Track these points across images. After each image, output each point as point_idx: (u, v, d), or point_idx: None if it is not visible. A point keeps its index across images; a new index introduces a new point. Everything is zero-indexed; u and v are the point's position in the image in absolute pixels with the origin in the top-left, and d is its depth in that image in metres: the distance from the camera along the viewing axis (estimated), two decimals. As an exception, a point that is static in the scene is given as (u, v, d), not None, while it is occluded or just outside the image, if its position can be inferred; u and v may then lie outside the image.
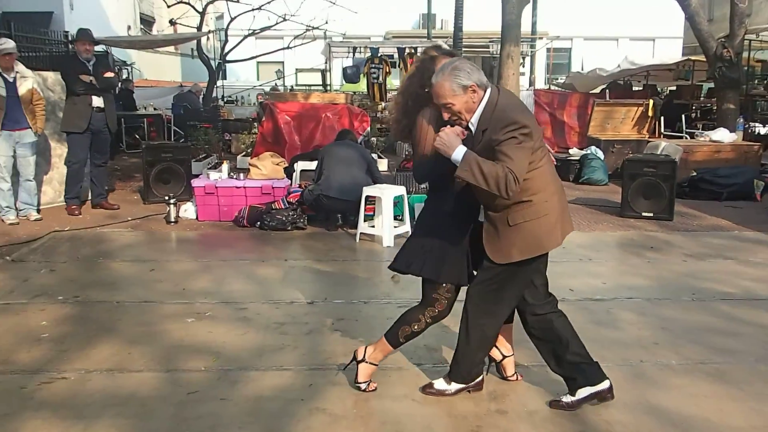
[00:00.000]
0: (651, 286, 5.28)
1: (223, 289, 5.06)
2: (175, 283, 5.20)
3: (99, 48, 13.97)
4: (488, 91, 2.92)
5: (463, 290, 3.19)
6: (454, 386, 3.28)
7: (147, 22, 27.08)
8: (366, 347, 3.38)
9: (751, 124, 12.64)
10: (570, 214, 3.21)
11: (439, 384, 3.31)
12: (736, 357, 3.90)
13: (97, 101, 7.37)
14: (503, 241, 2.97)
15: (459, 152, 2.79)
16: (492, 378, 3.53)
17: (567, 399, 3.22)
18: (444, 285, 3.15)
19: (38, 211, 7.33)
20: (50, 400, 3.25)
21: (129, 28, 23.95)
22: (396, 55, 15.90)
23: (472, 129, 2.95)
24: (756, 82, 14.02)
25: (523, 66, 20.20)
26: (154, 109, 15.11)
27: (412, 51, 15.69)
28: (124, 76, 17.43)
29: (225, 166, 7.98)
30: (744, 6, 11.79)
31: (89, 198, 7.93)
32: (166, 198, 7.40)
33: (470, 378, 3.29)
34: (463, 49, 14.20)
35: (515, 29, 7.24)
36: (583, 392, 3.18)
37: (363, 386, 3.34)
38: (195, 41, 17.79)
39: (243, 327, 4.26)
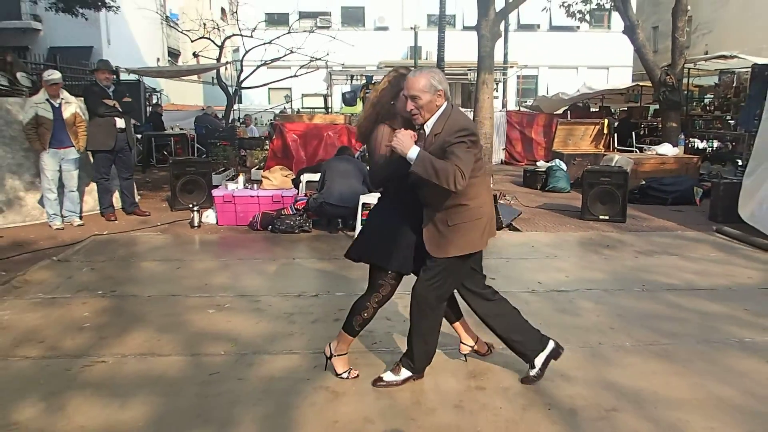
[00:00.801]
0: (607, 279, 5.29)
1: (239, 284, 5.04)
2: (198, 279, 5.17)
3: (132, 77, 14.02)
4: (446, 103, 2.94)
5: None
6: (402, 376, 3.22)
7: (174, 54, 27.06)
8: (330, 344, 3.34)
9: (691, 139, 12.69)
10: (494, 222, 3.20)
11: (388, 376, 3.23)
12: (679, 339, 3.91)
13: (120, 123, 7.34)
14: (443, 239, 2.96)
15: (413, 151, 2.78)
16: (471, 359, 3.53)
17: (533, 372, 3.24)
18: (390, 272, 3.12)
19: (80, 217, 7.29)
20: (91, 381, 3.24)
21: (158, 59, 23.93)
22: (388, 82, 15.90)
23: (426, 131, 2.95)
24: (694, 104, 14.05)
25: (497, 91, 20.22)
26: (180, 129, 15.06)
27: (402, 78, 15.71)
28: (154, 101, 17.38)
29: (241, 178, 7.97)
30: (683, 40, 11.87)
31: (122, 206, 7.87)
32: (191, 206, 7.38)
33: (422, 367, 3.24)
34: (446, 77, 14.20)
35: (489, 59, 7.24)
36: (539, 360, 3.22)
37: (344, 375, 3.28)
38: (215, 70, 17.77)
39: (257, 317, 4.25)
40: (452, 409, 2.98)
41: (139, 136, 11.98)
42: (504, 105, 21.18)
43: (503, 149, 15.61)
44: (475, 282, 3.25)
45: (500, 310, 3.26)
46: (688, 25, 14.07)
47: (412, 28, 24.39)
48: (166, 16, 24.02)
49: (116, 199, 7.85)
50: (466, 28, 24.35)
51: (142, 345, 3.72)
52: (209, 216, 7.46)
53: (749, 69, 9.95)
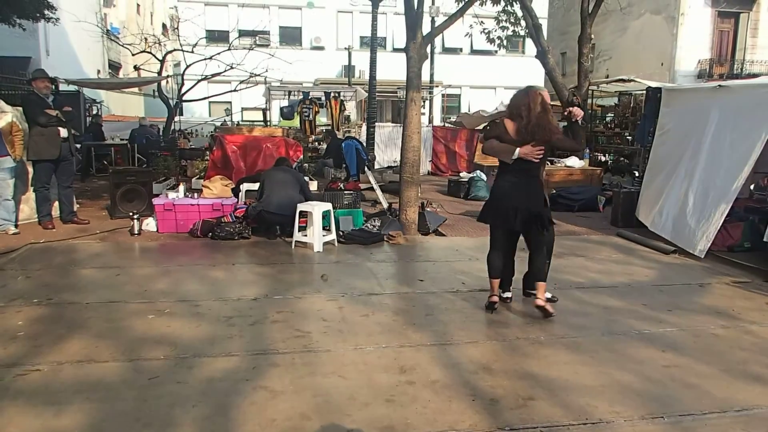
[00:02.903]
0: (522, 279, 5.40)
1: (180, 290, 4.84)
2: (138, 285, 4.94)
3: (71, 88, 13.29)
4: None
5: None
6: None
7: (114, 66, 25.92)
8: (538, 297, 4.18)
9: (595, 153, 13.31)
10: None
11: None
12: (586, 332, 4.06)
13: (63, 132, 6.94)
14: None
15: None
16: (403, 355, 3.53)
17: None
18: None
19: (16, 226, 6.82)
20: (25, 390, 3.01)
21: (98, 71, 22.86)
22: (323, 98, 15.86)
23: None
24: (597, 122, 14.76)
25: (424, 108, 20.53)
26: (121, 139, 14.41)
27: (336, 94, 15.71)
28: (94, 112, 16.56)
29: (181, 187, 7.70)
30: (588, 65, 12.46)
31: (59, 215, 7.41)
32: (131, 214, 7.05)
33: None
34: (377, 94, 14.27)
35: (417, 79, 7.31)
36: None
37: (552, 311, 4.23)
38: (156, 83, 17.15)
39: (197, 321, 4.09)
40: (384, 403, 2.96)
41: (78, 145, 11.36)
42: (430, 121, 21.54)
43: (430, 161, 15.85)
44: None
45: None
46: (592, 52, 14.76)
47: (346, 48, 24.44)
48: (107, 30, 22.97)
49: (54, 208, 7.39)
50: (396, 50, 24.60)
51: (79, 352, 3.49)
52: (150, 224, 7.16)
53: (644, 91, 10.53)
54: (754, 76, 18.85)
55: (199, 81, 17.11)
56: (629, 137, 12.88)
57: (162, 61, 17.35)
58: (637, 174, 10.44)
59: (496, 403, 2.99)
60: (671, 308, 4.59)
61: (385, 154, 15.36)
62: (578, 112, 4.18)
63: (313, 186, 9.50)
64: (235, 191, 8.00)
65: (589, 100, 13.42)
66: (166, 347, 3.60)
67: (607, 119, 14.69)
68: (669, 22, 21.99)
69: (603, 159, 13.42)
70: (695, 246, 6.30)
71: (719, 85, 6.95)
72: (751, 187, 7.38)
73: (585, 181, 10.34)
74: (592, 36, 12.96)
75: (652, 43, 22.42)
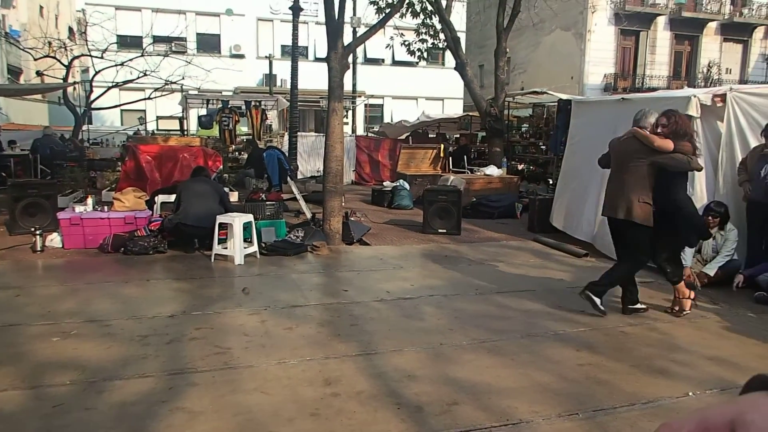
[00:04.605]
0: (446, 285, 5.52)
1: (88, 309, 4.55)
2: (41, 306, 4.59)
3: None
4: None
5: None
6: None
7: (14, 72, 24.18)
8: (682, 301, 4.67)
9: (512, 162, 13.83)
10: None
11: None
12: (507, 335, 4.19)
13: None
14: None
15: None
16: (327, 367, 3.49)
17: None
18: None
19: None
20: None
21: (-5, 77, 21.26)
22: (243, 107, 15.54)
23: None
24: (513, 132, 15.34)
25: (347, 118, 20.59)
26: (21, 150, 13.43)
27: (257, 103, 15.43)
28: (-10, 120, 15.37)
29: (90, 200, 7.26)
30: (504, 77, 12.96)
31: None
32: (33, 229, 6.57)
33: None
34: (299, 104, 14.16)
35: (339, 89, 7.32)
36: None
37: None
38: (62, 90, 16.17)
39: (108, 342, 3.86)
40: (309, 417, 2.91)
41: (-29, 156, 10.51)
42: (353, 131, 21.60)
43: (353, 171, 15.91)
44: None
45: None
46: (507, 65, 15.40)
47: (266, 57, 24.10)
48: (5, 32, 21.43)
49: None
50: (317, 59, 24.55)
51: (-28, 381, 3.20)
52: (54, 240, 6.70)
53: (556, 103, 11.08)
54: (653, 89, 20.36)
55: (109, 88, 16.33)
56: (543, 147, 13.48)
57: (68, 67, 16.42)
58: (551, 182, 10.94)
59: (420, 410, 3.02)
60: (584, 309, 4.82)
61: (309, 164, 15.25)
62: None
63: (234, 197, 9.26)
64: (150, 203, 7.67)
65: (506, 111, 13.94)
66: (73, 371, 3.36)
67: (523, 130, 15.32)
68: (577, 38, 23.34)
69: (520, 167, 13.98)
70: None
71: (622, 98, 7.43)
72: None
73: (503, 189, 10.71)
74: (508, 50, 13.50)
75: (562, 57, 23.68)
